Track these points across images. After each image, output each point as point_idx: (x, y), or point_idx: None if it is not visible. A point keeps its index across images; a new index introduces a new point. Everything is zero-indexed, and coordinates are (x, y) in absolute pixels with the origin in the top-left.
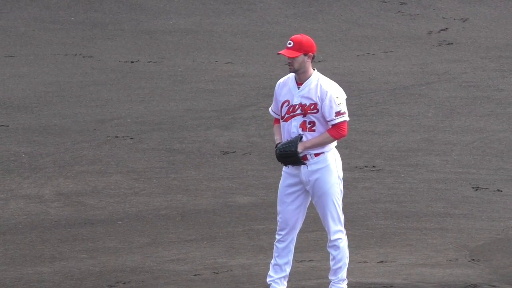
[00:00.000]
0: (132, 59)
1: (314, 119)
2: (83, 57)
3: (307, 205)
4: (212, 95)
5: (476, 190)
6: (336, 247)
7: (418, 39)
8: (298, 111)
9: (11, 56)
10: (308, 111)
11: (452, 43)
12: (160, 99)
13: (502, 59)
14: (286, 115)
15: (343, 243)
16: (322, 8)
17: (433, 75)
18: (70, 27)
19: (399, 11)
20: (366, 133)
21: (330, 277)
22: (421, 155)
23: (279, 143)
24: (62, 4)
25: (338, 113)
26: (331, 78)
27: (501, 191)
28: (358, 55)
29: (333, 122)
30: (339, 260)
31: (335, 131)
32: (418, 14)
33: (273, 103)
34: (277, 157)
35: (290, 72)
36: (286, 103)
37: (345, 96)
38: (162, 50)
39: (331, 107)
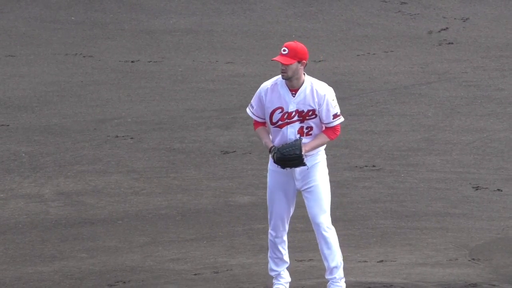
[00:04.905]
0: (132, 58)
1: (312, 124)
2: (84, 56)
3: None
4: (213, 95)
5: (476, 189)
6: (325, 240)
7: (419, 39)
8: (295, 118)
9: (12, 56)
10: (307, 117)
11: (452, 43)
12: (161, 98)
13: (502, 58)
14: (280, 122)
15: (333, 236)
16: (323, 7)
17: (433, 75)
18: (70, 27)
19: (399, 11)
20: (366, 132)
21: (327, 277)
22: (421, 154)
23: (273, 146)
24: (62, 3)
25: (336, 116)
26: (331, 78)
27: (501, 191)
28: (358, 55)
29: (332, 125)
30: (333, 260)
31: (332, 132)
32: (418, 14)
33: (255, 107)
34: (277, 159)
35: (283, 78)
36: (279, 110)
37: (334, 94)
38: (163, 49)
39: (328, 110)
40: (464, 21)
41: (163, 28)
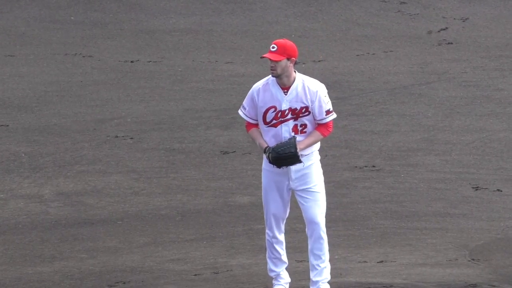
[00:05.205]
0: (132, 58)
1: (306, 121)
2: (83, 56)
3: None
4: (212, 95)
5: (476, 190)
6: (321, 241)
7: (418, 39)
8: (289, 116)
9: (11, 56)
10: (300, 115)
11: (452, 43)
12: (160, 98)
13: (502, 58)
14: (274, 121)
15: (326, 239)
16: (322, 7)
17: (433, 75)
18: (70, 27)
19: (399, 11)
20: (366, 132)
21: (316, 279)
22: (421, 154)
23: (267, 146)
24: (62, 3)
25: (328, 112)
26: (330, 78)
27: (501, 191)
28: (358, 55)
29: (324, 121)
30: (326, 260)
31: (325, 129)
32: (418, 14)
33: (247, 108)
34: (272, 159)
35: (273, 76)
36: (273, 109)
37: (326, 91)
38: (162, 49)
39: (320, 106)
40: (463, 21)
41: (163, 28)
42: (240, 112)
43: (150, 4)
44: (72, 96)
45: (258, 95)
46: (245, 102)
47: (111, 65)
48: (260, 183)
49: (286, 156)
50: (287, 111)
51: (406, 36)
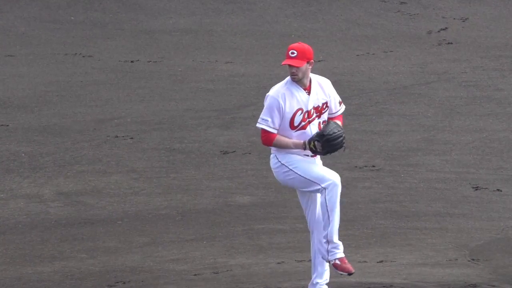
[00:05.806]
0: (132, 58)
1: (326, 117)
2: (83, 56)
3: None
4: (212, 94)
5: (476, 189)
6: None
7: (418, 39)
8: (314, 115)
9: (11, 56)
10: (323, 111)
11: (451, 43)
12: (160, 98)
13: (502, 58)
14: (303, 123)
15: None
16: (322, 7)
17: (432, 75)
18: (70, 27)
19: (399, 11)
20: (365, 132)
21: (316, 280)
22: (421, 154)
23: (305, 140)
24: (62, 3)
25: (340, 102)
26: (330, 78)
27: (501, 191)
28: (358, 55)
29: (340, 112)
30: (326, 262)
31: (342, 120)
32: (417, 14)
33: (271, 119)
34: (324, 143)
35: (294, 81)
36: (300, 112)
37: None
38: (162, 49)
39: (335, 98)
40: (463, 21)
41: (163, 28)
42: (261, 125)
43: (150, 4)
44: (72, 96)
45: (284, 101)
46: (266, 115)
47: (111, 65)
48: (261, 183)
49: (336, 136)
50: (312, 110)
51: (406, 36)
